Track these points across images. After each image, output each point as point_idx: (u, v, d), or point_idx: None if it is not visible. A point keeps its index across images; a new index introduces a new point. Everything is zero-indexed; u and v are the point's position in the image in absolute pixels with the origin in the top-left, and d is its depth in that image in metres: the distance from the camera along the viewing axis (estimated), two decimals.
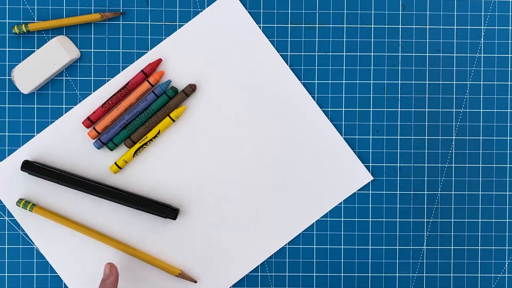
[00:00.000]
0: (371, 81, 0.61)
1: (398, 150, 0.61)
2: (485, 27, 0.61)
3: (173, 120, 0.59)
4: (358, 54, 0.61)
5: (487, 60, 0.61)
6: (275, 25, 0.60)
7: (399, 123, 0.61)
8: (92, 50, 0.60)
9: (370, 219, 0.61)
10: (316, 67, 0.61)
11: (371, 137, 0.61)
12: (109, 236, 0.60)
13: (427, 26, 0.61)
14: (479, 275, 0.61)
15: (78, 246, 0.60)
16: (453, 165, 0.61)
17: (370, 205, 0.61)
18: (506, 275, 0.61)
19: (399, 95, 0.61)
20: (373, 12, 0.61)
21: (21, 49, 0.60)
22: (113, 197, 0.59)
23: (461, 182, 0.61)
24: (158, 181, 0.60)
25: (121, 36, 0.60)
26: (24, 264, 0.60)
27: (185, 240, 0.60)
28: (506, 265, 0.61)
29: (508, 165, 0.61)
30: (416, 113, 0.61)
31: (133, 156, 0.59)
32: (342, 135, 0.61)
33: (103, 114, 0.59)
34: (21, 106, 0.60)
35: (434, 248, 0.61)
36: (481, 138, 0.61)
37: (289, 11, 0.60)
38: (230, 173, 0.60)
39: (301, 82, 0.60)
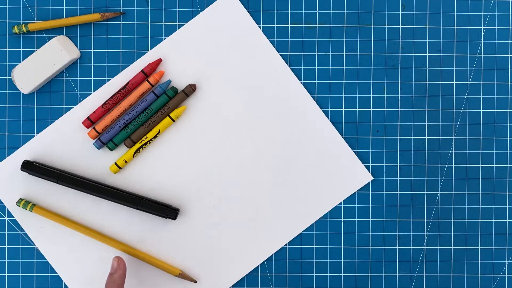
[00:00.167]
0: (371, 81, 0.61)
1: (398, 150, 0.61)
2: (485, 27, 0.61)
3: (173, 120, 0.59)
4: (358, 54, 0.61)
5: (487, 60, 0.61)
6: (275, 25, 0.60)
7: (399, 123, 0.61)
8: (92, 50, 0.60)
9: (370, 219, 0.61)
10: (316, 67, 0.61)
11: (371, 137, 0.61)
12: (109, 236, 0.60)
13: (427, 26, 0.61)
14: (479, 275, 0.61)
15: (78, 246, 0.60)
16: (453, 165, 0.61)
17: (370, 205, 0.61)
18: (506, 275, 0.61)
19: (399, 95, 0.61)
20: (373, 12, 0.61)
21: (21, 49, 0.60)
22: (113, 197, 0.59)
23: (461, 182, 0.61)
24: (158, 181, 0.60)
25: (121, 36, 0.60)
26: (24, 264, 0.60)
27: (185, 240, 0.60)
28: (506, 265, 0.61)
29: (508, 165, 0.61)
30: (416, 113, 0.61)
31: (133, 156, 0.59)
32: (342, 135, 0.61)
33: (103, 114, 0.59)
34: (21, 106, 0.60)
35: (434, 248, 0.61)
36: (481, 138, 0.61)
37: (289, 11, 0.61)
38: (230, 173, 0.60)
39: (301, 82, 0.60)
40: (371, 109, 0.61)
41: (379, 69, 0.61)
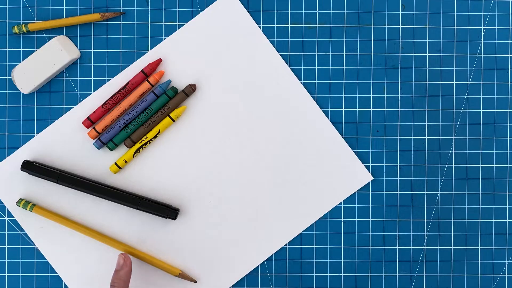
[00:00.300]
0: (371, 81, 0.61)
1: (398, 150, 0.61)
2: (485, 27, 0.61)
3: (173, 120, 0.59)
4: (358, 54, 0.61)
5: (487, 60, 0.61)
6: (275, 25, 0.60)
7: (399, 123, 0.61)
8: (92, 50, 0.60)
9: (370, 219, 0.61)
10: (316, 67, 0.61)
11: (371, 137, 0.61)
12: (109, 236, 0.60)
13: (427, 26, 0.61)
14: (479, 275, 0.61)
15: (78, 246, 0.60)
16: (453, 165, 0.61)
17: (370, 205, 0.61)
18: (506, 275, 0.61)
19: (399, 95, 0.61)
20: (373, 12, 0.61)
21: (21, 49, 0.60)
22: (113, 197, 0.59)
23: (461, 182, 0.61)
24: (158, 181, 0.60)
25: (121, 36, 0.60)
26: (24, 264, 0.60)
27: (185, 240, 0.60)
28: (506, 265, 0.61)
29: (508, 165, 0.61)
30: (416, 113, 0.61)
31: (133, 156, 0.59)
32: (342, 135, 0.61)
33: (103, 114, 0.59)
34: (21, 106, 0.60)
35: (434, 248, 0.61)
36: (481, 138, 0.61)
37: (289, 11, 0.61)
38: (230, 173, 0.60)
39: (301, 82, 0.60)
40: (371, 109, 0.61)
41: (379, 69, 0.61)
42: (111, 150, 0.59)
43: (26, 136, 0.60)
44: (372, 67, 0.61)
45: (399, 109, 0.61)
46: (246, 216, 0.60)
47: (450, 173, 0.61)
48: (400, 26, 0.61)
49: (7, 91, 0.60)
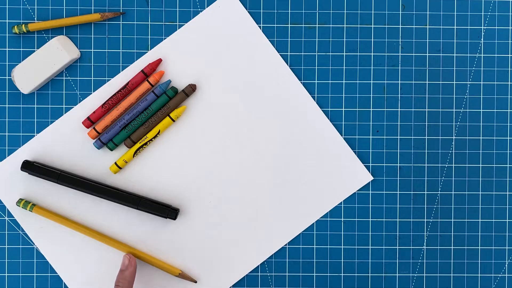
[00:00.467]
0: (371, 81, 0.61)
1: (398, 150, 0.61)
2: (485, 27, 0.61)
3: (173, 120, 0.59)
4: (358, 54, 0.61)
5: (487, 60, 0.61)
6: (275, 25, 0.60)
7: (399, 123, 0.61)
8: (92, 50, 0.60)
9: (370, 219, 0.61)
10: (316, 67, 0.61)
11: (371, 137, 0.61)
12: (109, 236, 0.60)
13: (427, 26, 0.61)
14: (479, 275, 0.61)
15: (78, 246, 0.60)
16: (453, 165, 0.61)
17: (370, 205, 0.61)
18: (506, 275, 0.61)
19: (399, 95, 0.61)
20: (373, 12, 0.61)
21: (21, 49, 0.60)
22: (113, 197, 0.59)
23: (461, 182, 0.61)
24: (158, 181, 0.60)
25: (121, 36, 0.60)
26: (24, 264, 0.60)
27: (185, 240, 0.60)
28: (506, 265, 0.61)
29: (508, 165, 0.61)
30: (416, 113, 0.61)
31: (133, 156, 0.59)
32: (342, 135, 0.61)
33: (103, 114, 0.59)
34: (21, 106, 0.60)
35: (434, 248, 0.61)
36: (481, 138, 0.61)
37: (289, 11, 0.61)
38: (230, 173, 0.60)
39: (301, 82, 0.60)
40: (371, 109, 0.61)
41: (379, 69, 0.61)
42: (111, 150, 0.59)
43: (26, 136, 0.60)
44: (372, 67, 0.61)
45: (399, 109, 0.61)
46: (246, 216, 0.60)
47: (450, 173, 0.61)
48: (400, 26, 0.61)
49: (7, 91, 0.60)
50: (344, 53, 0.61)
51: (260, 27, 0.60)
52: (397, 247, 0.61)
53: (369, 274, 0.61)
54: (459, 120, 0.61)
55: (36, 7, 0.60)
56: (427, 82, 0.61)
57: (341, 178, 0.61)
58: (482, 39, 0.61)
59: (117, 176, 0.60)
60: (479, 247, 0.61)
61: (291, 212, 0.60)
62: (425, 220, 0.61)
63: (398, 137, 0.61)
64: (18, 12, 0.60)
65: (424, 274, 0.61)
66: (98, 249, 0.60)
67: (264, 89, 0.60)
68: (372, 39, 0.61)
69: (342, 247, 0.61)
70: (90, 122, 0.59)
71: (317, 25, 0.61)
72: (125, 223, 0.60)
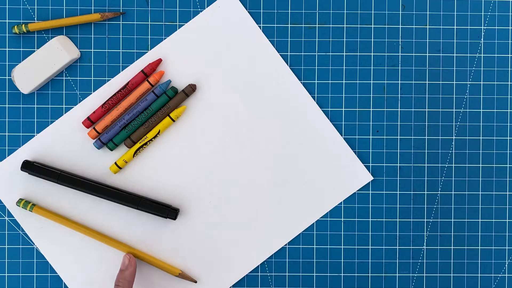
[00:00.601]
0: (371, 81, 0.61)
1: (398, 150, 0.61)
2: (485, 27, 0.61)
3: (173, 120, 0.59)
4: (358, 54, 0.61)
5: (487, 60, 0.61)
6: (275, 25, 0.60)
7: (399, 123, 0.61)
8: (92, 50, 0.60)
9: (370, 219, 0.61)
10: (316, 67, 0.61)
11: (371, 137, 0.61)
12: (109, 236, 0.60)
13: (427, 26, 0.61)
14: (479, 275, 0.61)
15: (78, 246, 0.60)
16: (453, 165, 0.61)
17: (370, 205, 0.61)
18: (506, 275, 0.61)
19: (399, 95, 0.61)
20: (373, 12, 0.61)
21: (21, 49, 0.60)
22: (113, 197, 0.59)
23: (461, 182, 0.61)
24: (158, 181, 0.60)
25: (121, 36, 0.60)
26: (24, 264, 0.60)
27: (185, 240, 0.60)
28: (506, 265, 0.61)
29: (508, 165, 0.61)
30: (416, 113, 0.61)
31: (133, 156, 0.59)
32: (342, 135, 0.61)
33: (103, 114, 0.59)
34: (21, 106, 0.60)
35: (434, 248, 0.61)
36: (481, 138, 0.61)
37: (289, 11, 0.61)
38: (230, 173, 0.60)
39: (301, 82, 0.60)
40: (371, 109, 0.61)
41: (379, 69, 0.61)
42: (111, 150, 0.59)
43: (26, 136, 0.60)
44: (372, 67, 0.61)
45: (399, 109, 0.61)
46: (246, 216, 0.60)
47: (450, 173, 0.61)
48: (400, 26, 0.61)
49: (7, 91, 0.60)
50: (344, 53, 0.61)
51: (260, 27, 0.60)
52: (397, 247, 0.61)
53: (369, 274, 0.61)
54: (459, 120, 0.61)
55: (36, 7, 0.60)
56: (427, 82, 0.61)
57: (341, 178, 0.61)
58: (482, 39, 0.61)
59: (117, 176, 0.60)
60: (479, 247, 0.61)
61: (291, 212, 0.60)
62: (425, 220, 0.61)
63: (398, 137, 0.61)
64: (18, 12, 0.60)
65: (424, 274, 0.61)
66: (98, 249, 0.60)
67: (264, 89, 0.60)
68: (372, 39, 0.61)
69: (342, 247, 0.61)
70: (90, 122, 0.59)
71: (317, 25, 0.61)
72: (125, 223, 0.60)
